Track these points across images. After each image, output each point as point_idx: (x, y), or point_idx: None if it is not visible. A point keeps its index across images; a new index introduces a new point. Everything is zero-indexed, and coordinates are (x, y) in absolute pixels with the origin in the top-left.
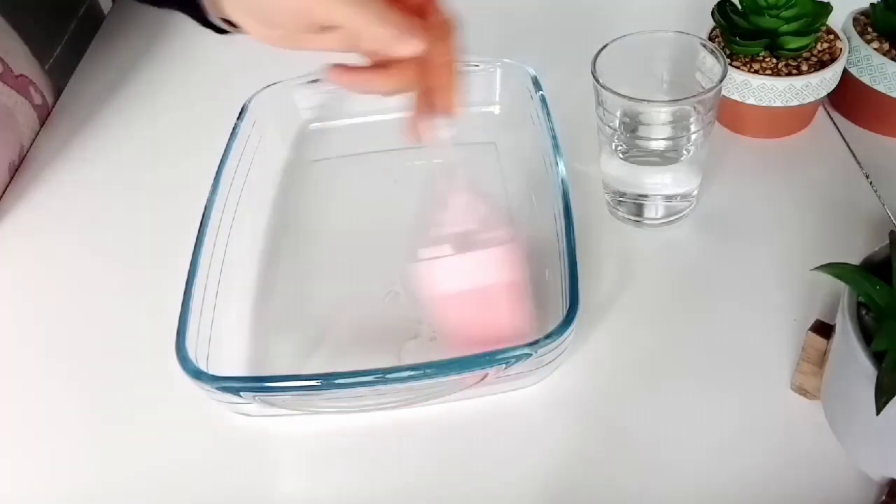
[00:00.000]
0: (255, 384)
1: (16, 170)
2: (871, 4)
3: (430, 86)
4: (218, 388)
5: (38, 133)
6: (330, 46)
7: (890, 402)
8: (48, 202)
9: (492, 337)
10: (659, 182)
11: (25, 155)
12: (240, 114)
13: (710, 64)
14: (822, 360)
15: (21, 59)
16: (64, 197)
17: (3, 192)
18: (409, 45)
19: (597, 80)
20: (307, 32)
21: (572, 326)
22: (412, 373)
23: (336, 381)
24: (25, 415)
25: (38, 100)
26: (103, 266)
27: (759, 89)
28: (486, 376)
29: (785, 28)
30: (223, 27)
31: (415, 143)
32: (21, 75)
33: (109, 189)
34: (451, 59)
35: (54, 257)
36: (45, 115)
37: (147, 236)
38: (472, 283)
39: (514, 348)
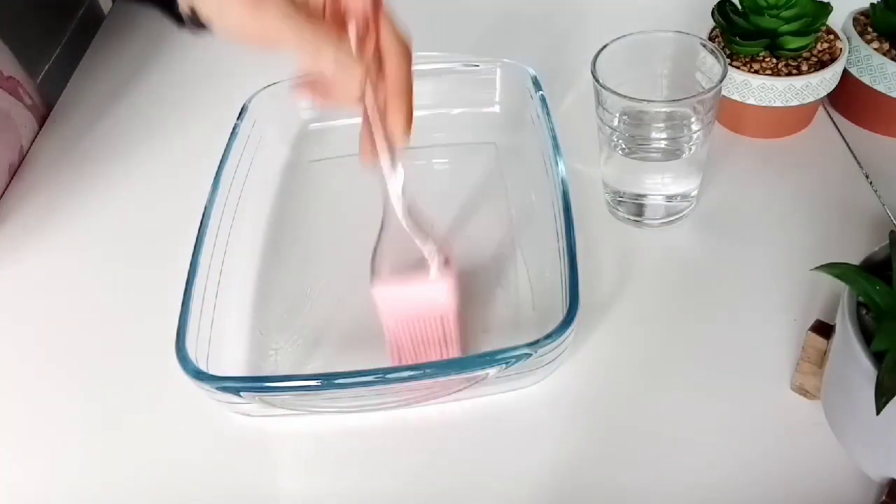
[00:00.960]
0: (255, 384)
1: (15, 171)
2: (871, 4)
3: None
4: (218, 388)
5: (37, 133)
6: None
7: (890, 402)
8: (49, 202)
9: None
10: (659, 182)
11: (25, 155)
12: (240, 114)
13: (710, 64)
14: (822, 360)
15: (7, 62)
16: (64, 197)
17: (3, 193)
18: (351, 80)
19: (597, 80)
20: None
21: (572, 326)
22: (412, 373)
23: (336, 381)
24: (25, 415)
25: (28, 101)
26: (103, 266)
27: (759, 89)
28: (486, 376)
29: (785, 28)
30: (192, 22)
31: (369, 164)
32: (10, 77)
33: (109, 189)
34: (400, 78)
35: (54, 257)
36: (38, 116)
37: (147, 236)
38: (408, 310)
39: (514, 348)
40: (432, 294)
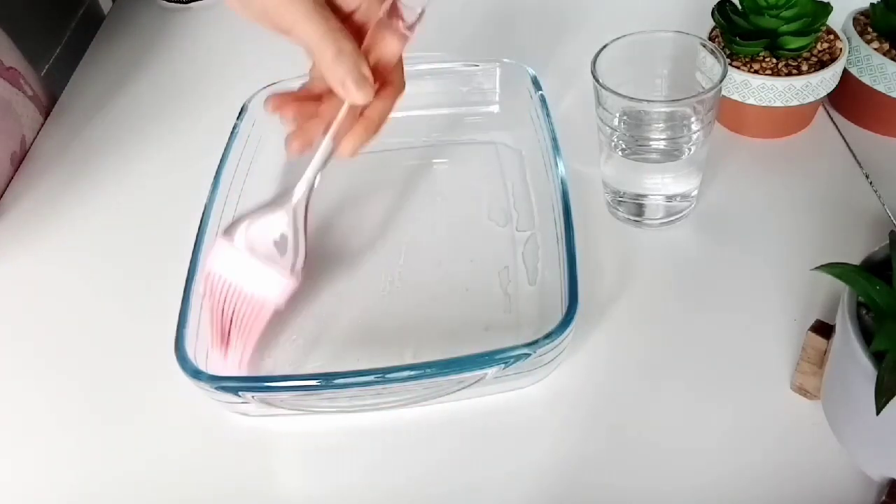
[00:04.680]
0: (255, 384)
1: (19, 162)
2: (871, 4)
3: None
4: (217, 388)
5: (41, 125)
6: (299, 45)
7: (890, 402)
8: (49, 202)
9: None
10: (659, 182)
11: (29, 148)
12: (240, 114)
13: (710, 64)
14: (822, 360)
15: (8, 52)
16: (64, 196)
17: (8, 184)
18: (358, 94)
19: (597, 80)
20: (277, 30)
21: (571, 326)
22: (412, 373)
23: (335, 381)
24: (25, 414)
25: (29, 91)
26: (103, 265)
27: (759, 89)
28: (485, 376)
29: (785, 28)
30: None
31: (296, 153)
32: (11, 67)
33: (109, 189)
34: (382, 112)
35: (55, 256)
36: (41, 107)
37: (147, 236)
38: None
39: (513, 348)
40: (268, 281)
